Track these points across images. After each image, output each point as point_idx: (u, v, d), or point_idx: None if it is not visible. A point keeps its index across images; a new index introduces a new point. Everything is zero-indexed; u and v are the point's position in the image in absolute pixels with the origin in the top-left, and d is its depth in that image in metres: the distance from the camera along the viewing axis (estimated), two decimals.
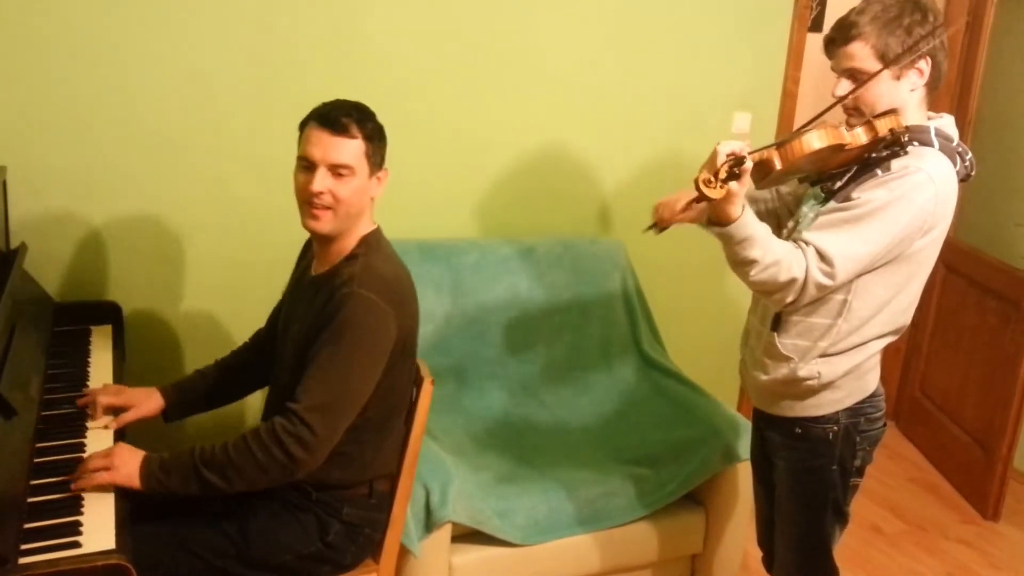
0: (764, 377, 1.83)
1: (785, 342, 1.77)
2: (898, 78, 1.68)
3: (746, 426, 2.36)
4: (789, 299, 1.66)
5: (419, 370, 1.91)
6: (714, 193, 1.53)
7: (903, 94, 1.70)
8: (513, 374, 2.70)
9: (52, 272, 2.35)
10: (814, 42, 2.55)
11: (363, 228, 1.78)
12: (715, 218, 1.63)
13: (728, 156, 1.54)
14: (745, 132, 3.13)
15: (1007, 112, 3.37)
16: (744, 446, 2.34)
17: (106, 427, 1.78)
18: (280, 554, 1.76)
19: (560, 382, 2.75)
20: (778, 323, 1.78)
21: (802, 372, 1.75)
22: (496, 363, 2.69)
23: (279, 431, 1.60)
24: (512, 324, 2.71)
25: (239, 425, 2.61)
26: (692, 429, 2.47)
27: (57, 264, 2.36)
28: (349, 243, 1.76)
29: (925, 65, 1.69)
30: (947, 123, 1.74)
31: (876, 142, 1.65)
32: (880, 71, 1.65)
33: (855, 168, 1.70)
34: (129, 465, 1.58)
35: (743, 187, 1.57)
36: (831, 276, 1.63)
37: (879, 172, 1.66)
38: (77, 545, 1.38)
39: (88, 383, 1.95)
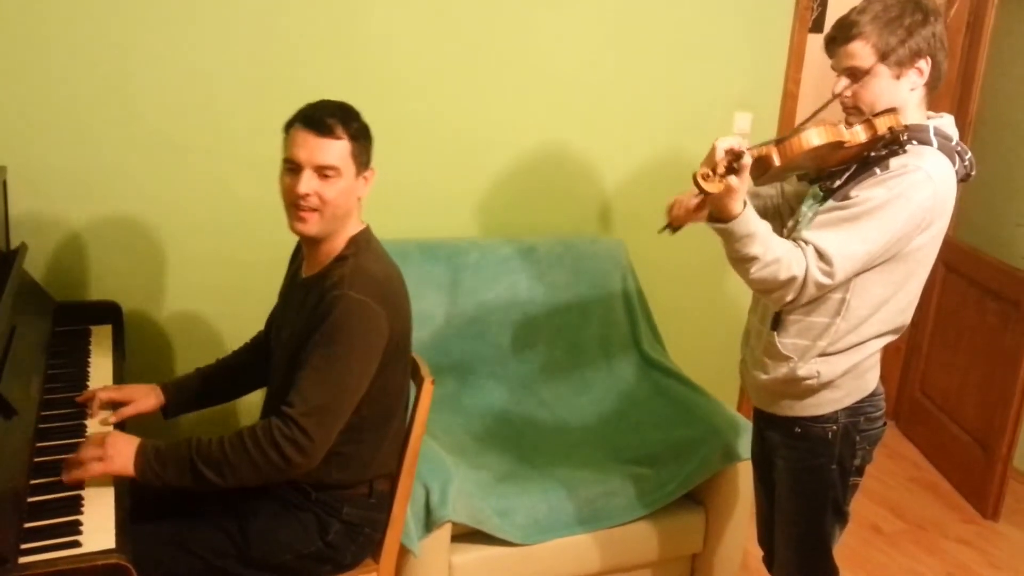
0: (764, 377, 1.83)
1: (784, 341, 1.77)
2: (898, 77, 1.69)
3: (746, 426, 2.36)
4: (788, 297, 1.66)
5: (419, 369, 1.91)
6: (712, 187, 1.53)
7: (903, 93, 1.70)
8: (513, 373, 2.70)
9: (52, 272, 2.35)
10: (815, 42, 2.56)
11: (352, 228, 1.77)
12: (716, 214, 1.63)
13: (726, 151, 1.54)
14: (746, 132, 3.13)
15: (1007, 112, 3.37)
16: (743, 446, 2.35)
17: (105, 422, 1.78)
18: (280, 553, 1.76)
19: (560, 381, 2.75)
20: (777, 322, 1.78)
21: (801, 371, 1.75)
22: (496, 362, 2.69)
23: (275, 434, 1.60)
24: (512, 323, 2.71)
25: (238, 423, 2.61)
26: (692, 429, 2.47)
27: (57, 264, 2.36)
28: (338, 244, 1.75)
29: (925, 65, 1.69)
30: (947, 122, 1.74)
31: (875, 140, 1.65)
32: (874, 65, 1.66)
33: (854, 167, 1.70)
34: (124, 454, 1.58)
35: (743, 183, 1.57)
36: (830, 275, 1.63)
37: (877, 171, 1.66)
38: (77, 545, 1.38)
39: (88, 383, 1.95)
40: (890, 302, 1.72)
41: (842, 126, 1.66)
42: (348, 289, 1.65)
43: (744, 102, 3.13)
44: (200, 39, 2.37)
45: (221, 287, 2.53)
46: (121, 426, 1.81)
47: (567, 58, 2.82)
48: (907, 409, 3.86)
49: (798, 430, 1.83)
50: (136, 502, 1.58)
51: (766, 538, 2.06)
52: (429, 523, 2.06)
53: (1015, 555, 3.00)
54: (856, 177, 1.69)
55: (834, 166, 1.72)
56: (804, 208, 1.81)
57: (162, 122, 2.38)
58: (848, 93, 1.71)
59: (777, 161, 1.63)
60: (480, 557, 2.19)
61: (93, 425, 1.78)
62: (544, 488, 2.29)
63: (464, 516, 2.11)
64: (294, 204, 1.69)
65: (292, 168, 1.68)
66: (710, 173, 1.53)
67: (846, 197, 1.67)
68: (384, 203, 2.65)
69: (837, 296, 1.71)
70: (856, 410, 1.79)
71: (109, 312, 2.29)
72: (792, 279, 1.63)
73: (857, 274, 1.67)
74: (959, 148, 1.73)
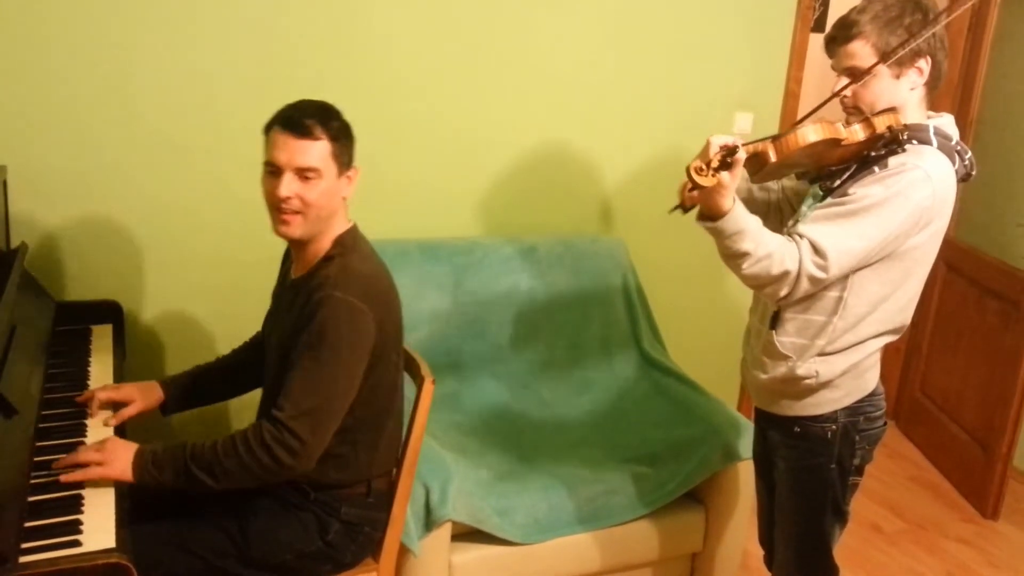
0: (763, 376, 1.83)
1: (783, 340, 1.77)
2: (898, 77, 1.69)
3: (746, 425, 2.36)
4: (782, 292, 1.66)
5: (420, 369, 1.91)
6: (705, 181, 1.54)
7: (903, 93, 1.70)
8: (514, 372, 2.70)
9: (52, 272, 2.35)
10: (816, 42, 2.56)
11: (337, 228, 1.75)
12: (707, 211, 1.63)
13: (720, 147, 1.55)
14: (747, 132, 3.13)
15: (1008, 113, 3.37)
16: (744, 445, 2.35)
17: (106, 424, 1.79)
18: (280, 553, 1.76)
19: (561, 380, 2.75)
20: (776, 321, 1.78)
21: (800, 371, 1.76)
22: (497, 361, 2.69)
23: (265, 437, 1.60)
24: (513, 323, 2.71)
25: (239, 423, 2.61)
26: (692, 428, 2.47)
27: (57, 264, 2.36)
28: (324, 245, 1.74)
29: (925, 64, 1.69)
30: (946, 122, 1.74)
31: (874, 139, 1.65)
32: (876, 65, 1.66)
33: (853, 166, 1.70)
34: (122, 460, 1.59)
35: (735, 179, 1.57)
36: (824, 269, 1.63)
37: (876, 169, 1.66)
38: (77, 544, 1.38)
39: (88, 382, 1.95)
40: (888, 301, 1.72)
41: (840, 124, 1.66)
42: (333, 290, 1.64)
43: (745, 102, 3.13)
44: (200, 39, 2.37)
45: (221, 287, 2.53)
46: (122, 427, 1.81)
47: (567, 58, 2.82)
48: (907, 409, 3.86)
49: (797, 430, 1.83)
50: (136, 502, 1.58)
51: (767, 537, 2.06)
52: (429, 522, 2.06)
53: (1015, 555, 3.00)
54: (855, 176, 1.69)
55: (833, 165, 1.72)
56: (804, 208, 1.81)
57: (162, 122, 2.38)
58: (848, 93, 1.71)
59: (773, 157, 1.63)
60: (480, 556, 2.19)
61: (93, 424, 1.78)
62: (544, 487, 2.29)
63: (464, 515, 2.11)
64: (276, 207, 1.67)
65: (273, 171, 1.67)
66: (704, 167, 1.54)
67: (844, 194, 1.67)
68: (385, 203, 2.67)
69: (834, 294, 1.71)
70: (856, 410, 1.79)
71: (109, 311, 2.29)
72: (785, 273, 1.63)
73: (852, 270, 1.67)
74: (959, 148, 1.73)
